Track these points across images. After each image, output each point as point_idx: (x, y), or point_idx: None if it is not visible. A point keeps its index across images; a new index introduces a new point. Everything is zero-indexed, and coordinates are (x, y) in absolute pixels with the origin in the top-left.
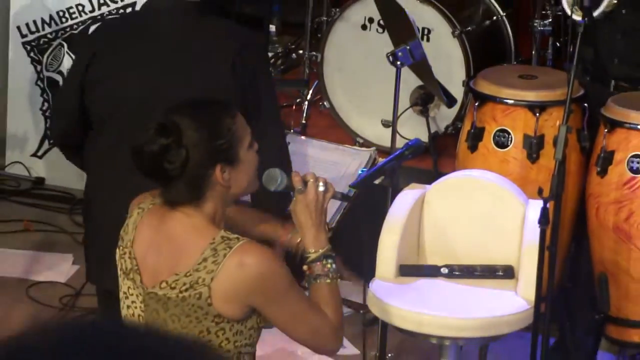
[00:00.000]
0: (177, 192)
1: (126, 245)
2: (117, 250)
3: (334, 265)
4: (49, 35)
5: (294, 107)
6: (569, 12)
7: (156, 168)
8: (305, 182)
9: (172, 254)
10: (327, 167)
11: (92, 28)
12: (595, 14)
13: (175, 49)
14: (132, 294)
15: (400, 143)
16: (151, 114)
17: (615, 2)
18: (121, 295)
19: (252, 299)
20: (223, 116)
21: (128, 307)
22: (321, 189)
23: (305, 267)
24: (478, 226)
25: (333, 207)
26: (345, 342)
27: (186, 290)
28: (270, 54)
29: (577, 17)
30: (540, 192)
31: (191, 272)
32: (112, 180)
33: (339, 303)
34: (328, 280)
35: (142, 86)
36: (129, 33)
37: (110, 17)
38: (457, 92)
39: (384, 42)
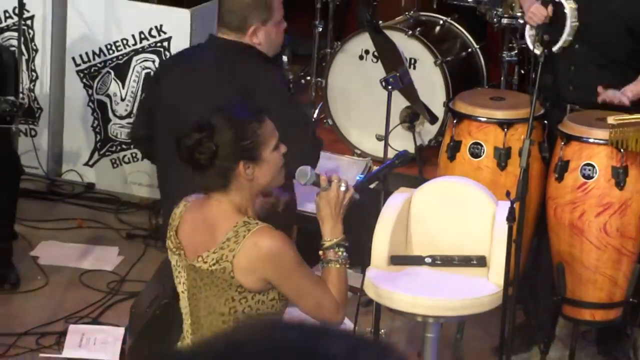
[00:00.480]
0: (208, 180)
1: (172, 229)
2: (167, 232)
3: (345, 253)
4: (98, 65)
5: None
6: (531, 47)
7: (190, 157)
8: (330, 182)
9: (206, 234)
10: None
11: (135, 59)
12: (554, 48)
13: (213, 79)
14: (178, 266)
15: (391, 154)
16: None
17: (571, 39)
18: (172, 267)
19: (266, 274)
20: (251, 121)
21: (176, 277)
22: (342, 189)
23: (320, 253)
24: (456, 223)
25: None
26: (345, 319)
27: (214, 264)
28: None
29: (537, 51)
30: (507, 194)
31: (217, 249)
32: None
33: (344, 285)
34: (338, 266)
35: (182, 105)
36: (180, 66)
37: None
38: (439, 111)
39: (377, 70)
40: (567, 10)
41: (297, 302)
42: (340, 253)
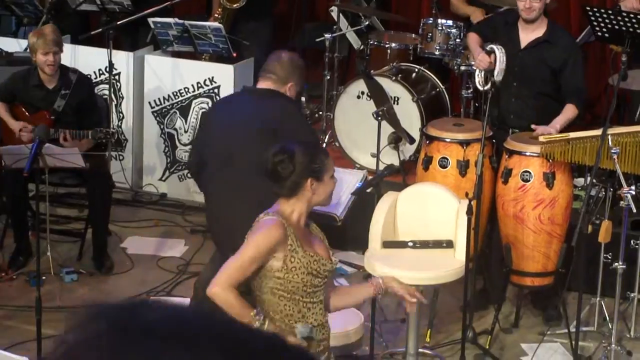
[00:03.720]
0: (282, 189)
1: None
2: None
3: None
4: (167, 107)
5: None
6: (480, 88)
7: (273, 170)
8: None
9: None
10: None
11: (194, 102)
12: (486, 87)
13: (245, 120)
14: None
15: (381, 167)
16: (229, 159)
17: (500, 78)
18: None
19: None
20: (320, 153)
21: None
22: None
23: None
24: (430, 216)
25: (343, 205)
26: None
27: None
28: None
29: (480, 87)
30: (466, 195)
31: None
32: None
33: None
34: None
35: (222, 142)
36: (222, 108)
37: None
38: (416, 135)
39: (370, 106)
40: (497, 57)
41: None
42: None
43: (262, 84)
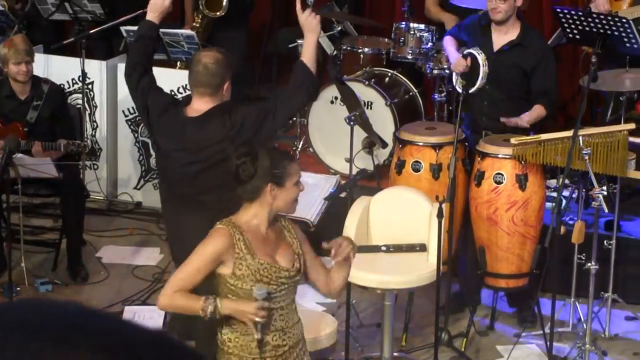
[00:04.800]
0: (243, 192)
1: None
2: None
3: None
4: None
5: (290, 152)
6: (457, 88)
7: (235, 172)
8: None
9: None
10: (311, 188)
11: None
12: (473, 90)
13: (195, 146)
14: None
15: (355, 172)
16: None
17: (485, 81)
18: None
19: None
20: (284, 158)
21: None
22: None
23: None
24: (403, 220)
25: (317, 211)
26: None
27: None
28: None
29: (459, 88)
30: (437, 198)
31: None
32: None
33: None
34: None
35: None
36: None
37: None
38: (389, 139)
39: (343, 111)
40: (479, 62)
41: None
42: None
43: (200, 103)
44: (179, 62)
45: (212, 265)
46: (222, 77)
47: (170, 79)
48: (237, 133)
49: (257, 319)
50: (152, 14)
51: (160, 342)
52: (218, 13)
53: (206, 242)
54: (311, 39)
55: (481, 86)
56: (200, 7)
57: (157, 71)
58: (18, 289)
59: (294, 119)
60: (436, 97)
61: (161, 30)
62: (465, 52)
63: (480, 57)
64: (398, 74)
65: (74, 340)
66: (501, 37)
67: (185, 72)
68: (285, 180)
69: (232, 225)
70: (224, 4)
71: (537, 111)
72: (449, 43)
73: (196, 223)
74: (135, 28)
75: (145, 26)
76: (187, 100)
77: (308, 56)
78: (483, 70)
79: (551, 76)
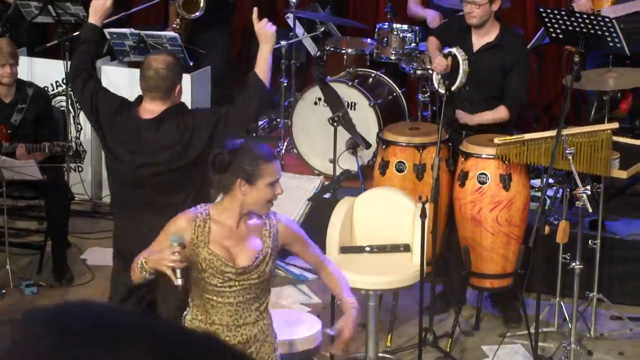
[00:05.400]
0: (216, 183)
1: None
2: None
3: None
4: None
5: (276, 152)
6: (436, 87)
7: (212, 162)
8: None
9: None
10: (294, 189)
11: None
12: (453, 88)
13: (148, 149)
14: None
15: (338, 172)
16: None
17: (464, 80)
18: None
19: None
20: (260, 157)
21: None
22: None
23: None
24: (387, 221)
25: (300, 212)
26: (311, 294)
27: None
28: (260, 123)
29: (441, 90)
30: (420, 198)
31: None
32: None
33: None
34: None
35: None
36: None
37: None
38: (373, 140)
39: (327, 112)
40: (459, 60)
41: None
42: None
43: (152, 105)
44: None
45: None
46: (173, 81)
47: None
48: (190, 139)
49: (172, 264)
50: (94, 17)
51: (210, 343)
52: (194, 15)
53: (171, 221)
54: (265, 49)
55: (461, 84)
56: (177, 9)
57: (135, 72)
58: (3, 291)
59: (278, 119)
60: (420, 97)
61: (144, 32)
62: (445, 51)
63: (460, 56)
64: (381, 75)
65: (127, 342)
66: (480, 39)
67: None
68: (256, 179)
69: (202, 211)
70: (201, 5)
71: (497, 113)
72: (432, 43)
73: (151, 224)
74: (118, 30)
75: (88, 29)
76: (139, 101)
77: (261, 67)
78: (463, 69)
79: (523, 79)
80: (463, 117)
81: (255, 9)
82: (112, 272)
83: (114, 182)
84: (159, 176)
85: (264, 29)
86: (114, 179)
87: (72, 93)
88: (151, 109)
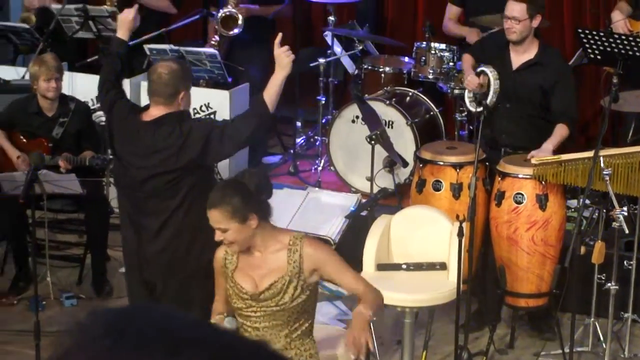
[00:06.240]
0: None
1: None
2: None
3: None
4: None
5: (312, 170)
6: (468, 105)
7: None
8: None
9: None
10: (331, 207)
11: None
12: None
13: (146, 151)
14: None
15: (375, 190)
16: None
17: (495, 99)
18: None
19: None
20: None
21: None
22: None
23: None
24: (424, 239)
25: (338, 229)
26: (347, 310)
27: None
28: (298, 140)
29: (472, 108)
30: (457, 217)
31: None
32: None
33: None
34: None
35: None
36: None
37: None
38: (410, 158)
39: (365, 130)
40: (491, 79)
41: None
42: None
43: (155, 110)
44: (201, 81)
45: (221, 276)
46: (176, 87)
47: (193, 97)
48: (183, 144)
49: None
50: (121, 31)
51: (261, 351)
52: (232, 32)
53: (215, 253)
54: (279, 75)
55: (491, 103)
56: (216, 26)
57: None
58: (44, 303)
59: (316, 137)
60: (457, 116)
61: (184, 49)
62: (478, 69)
63: (492, 75)
64: (419, 94)
65: (182, 346)
66: (519, 56)
67: (209, 91)
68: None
69: (232, 242)
70: (239, 22)
71: (560, 133)
72: (466, 60)
73: (147, 225)
74: (158, 46)
75: (115, 43)
76: (147, 107)
77: (270, 92)
78: (494, 88)
79: (571, 94)
80: (535, 153)
81: (280, 35)
82: (125, 277)
83: (117, 186)
84: (152, 179)
85: (282, 56)
86: (116, 183)
87: (100, 102)
88: (153, 113)
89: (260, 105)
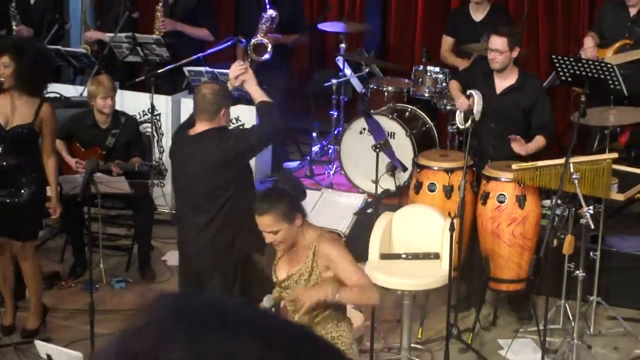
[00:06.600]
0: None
1: None
2: None
3: None
4: None
5: (326, 173)
6: (460, 126)
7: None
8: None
9: None
10: (343, 205)
11: None
12: (467, 124)
13: (194, 161)
14: None
15: (380, 191)
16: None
17: (479, 117)
18: None
19: None
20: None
21: None
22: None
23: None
24: (420, 232)
25: (348, 224)
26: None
27: None
28: (314, 148)
29: (461, 126)
30: (449, 215)
31: None
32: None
33: None
34: None
35: (183, 178)
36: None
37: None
38: (409, 164)
39: (370, 140)
40: (476, 101)
41: None
42: None
43: (200, 125)
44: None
45: None
46: (218, 105)
47: None
48: (222, 152)
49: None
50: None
51: (306, 334)
52: (263, 57)
53: None
54: (249, 86)
55: (476, 120)
56: (249, 51)
57: None
58: (97, 286)
59: (329, 145)
60: (449, 129)
61: (217, 70)
62: (468, 92)
63: (477, 97)
64: (417, 109)
65: (236, 329)
66: (502, 82)
67: (239, 106)
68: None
69: (278, 242)
70: (269, 49)
71: (538, 141)
72: (453, 86)
73: (196, 221)
74: (195, 68)
75: None
76: (193, 123)
77: (258, 96)
78: (477, 109)
79: (548, 111)
80: (518, 148)
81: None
82: (178, 268)
83: (174, 191)
84: (200, 184)
85: (234, 75)
86: (173, 188)
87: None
88: (198, 129)
89: (264, 105)
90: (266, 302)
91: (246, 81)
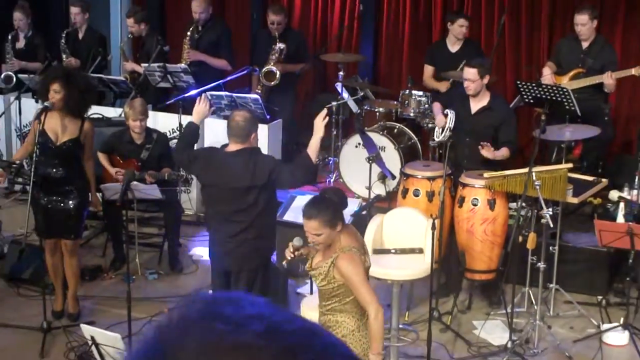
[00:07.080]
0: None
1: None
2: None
3: None
4: None
5: (327, 181)
6: (437, 139)
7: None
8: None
9: None
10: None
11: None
12: (439, 138)
13: (229, 174)
14: None
15: (372, 196)
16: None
17: (450, 133)
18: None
19: None
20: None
21: None
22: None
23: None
24: (407, 231)
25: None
26: None
27: None
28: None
29: (437, 140)
30: (431, 215)
31: None
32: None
33: None
34: None
35: (217, 188)
36: (212, 165)
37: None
38: (397, 173)
39: (364, 153)
40: (450, 119)
41: None
42: None
43: (234, 146)
44: None
45: None
46: (249, 130)
47: None
48: (255, 169)
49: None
50: (196, 118)
51: (315, 327)
52: (273, 83)
53: None
54: (316, 137)
55: (447, 136)
56: (260, 78)
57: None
58: (134, 277)
59: (329, 158)
60: (431, 143)
61: (235, 95)
62: (445, 112)
63: (451, 115)
64: (403, 127)
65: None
66: (476, 104)
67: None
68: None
69: (319, 243)
70: (278, 76)
71: (503, 151)
72: (436, 106)
73: (229, 230)
74: (216, 93)
75: (191, 128)
76: (227, 145)
77: (312, 149)
78: (449, 124)
79: (513, 130)
80: (486, 153)
81: (325, 110)
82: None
83: (208, 204)
84: (235, 199)
85: (319, 123)
86: (208, 202)
87: (178, 162)
88: (232, 148)
89: (307, 159)
90: (296, 241)
91: (319, 134)
